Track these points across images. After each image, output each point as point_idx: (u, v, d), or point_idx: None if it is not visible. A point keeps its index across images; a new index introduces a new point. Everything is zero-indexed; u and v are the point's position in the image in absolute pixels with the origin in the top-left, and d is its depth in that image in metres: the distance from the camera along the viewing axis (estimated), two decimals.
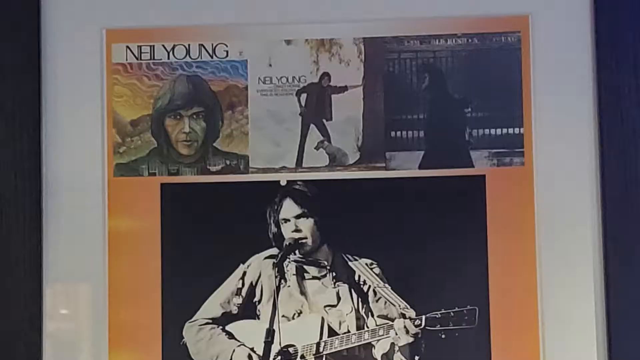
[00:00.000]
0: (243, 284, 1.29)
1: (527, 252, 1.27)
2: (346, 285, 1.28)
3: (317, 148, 1.30)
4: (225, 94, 1.31)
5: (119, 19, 1.32)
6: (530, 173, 1.28)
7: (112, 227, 1.29)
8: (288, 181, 1.29)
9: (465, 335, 1.26)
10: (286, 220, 1.29)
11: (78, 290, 1.29)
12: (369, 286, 1.28)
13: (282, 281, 1.29)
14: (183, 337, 1.28)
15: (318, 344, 1.27)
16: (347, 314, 1.28)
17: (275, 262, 1.28)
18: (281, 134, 1.30)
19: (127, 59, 1.31)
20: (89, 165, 1.30)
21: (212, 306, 1.28)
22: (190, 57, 1.31)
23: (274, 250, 1.29)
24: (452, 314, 1.26)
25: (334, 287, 1.29)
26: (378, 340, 1.27)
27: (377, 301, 1.28)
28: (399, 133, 1.29)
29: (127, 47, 1.31)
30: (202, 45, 1.31)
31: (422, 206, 1.28)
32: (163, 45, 1.31)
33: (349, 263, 1.28)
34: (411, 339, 1.26)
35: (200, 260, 1.28)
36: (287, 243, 1.29)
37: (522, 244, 1.27)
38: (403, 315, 1.27)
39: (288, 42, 1.31)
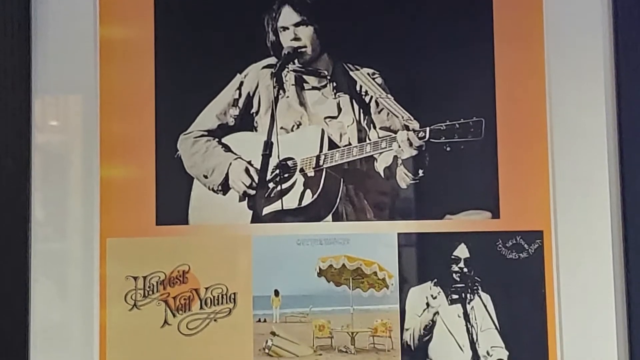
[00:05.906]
0: (240, 95, 1.24)
1: (535, 61, 1.22)
2: (347, 96, 1.24)
3: None
4: None
5: None
6: None
7: (104, 36, 1.24)
8: None
9: (471, 148, 1.21)
10: (285, 28, 1.24)
11: (68, 102, 1.24)
12: (371, 97, 1.23)
13: (281, 91, 1.24)
14: (177, 150, 1.23)
15: (318, 157, 1.23)
16: (348, 126, 1.23)
17: (274, 71, 1.24)
18: None
19: None
20: None
21: (207, 118, 1.23)
22: None
23: (272, 60, 1.24)
24: (457, 125, 1.21)
25: (335, 98, 1.24)
26: (380, 153, 1.22)
27: (379, 112, 1.23)
28: None
29: None
30: None
31: (426, 13, 1.23)
32: None
33: (350, 73, 1.23)
34: (415, 152, 1.22)
35: (195, 69, 1.23)
36: (286, 52, 1.24)
37: (530, 52, 1.22)
38: (406, 127, 1.22)
39: None
